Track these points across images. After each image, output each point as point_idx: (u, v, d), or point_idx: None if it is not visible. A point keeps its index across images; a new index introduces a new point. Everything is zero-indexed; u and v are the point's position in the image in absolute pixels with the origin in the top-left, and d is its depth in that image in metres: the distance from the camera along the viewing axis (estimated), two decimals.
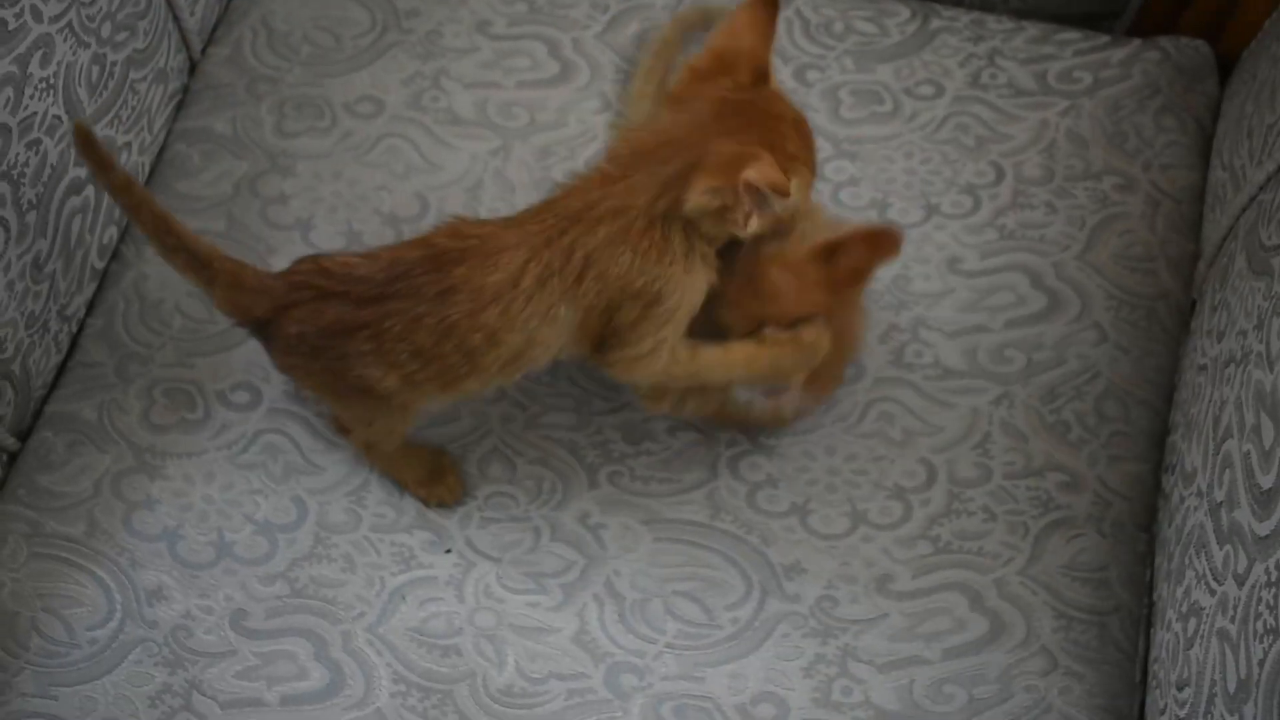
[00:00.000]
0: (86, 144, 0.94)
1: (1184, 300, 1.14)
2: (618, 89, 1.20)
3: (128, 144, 1.12)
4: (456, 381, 0.94)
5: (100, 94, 1.07)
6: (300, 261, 0.96)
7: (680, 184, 0.89)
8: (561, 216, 0.91)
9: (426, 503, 1.05)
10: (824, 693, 1.01)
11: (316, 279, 0.93)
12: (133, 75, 1.11)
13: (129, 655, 1.01)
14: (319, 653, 1.01)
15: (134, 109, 1.12)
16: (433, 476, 1.05)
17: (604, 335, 0.93)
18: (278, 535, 1.05)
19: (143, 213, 0.95)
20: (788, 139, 0.90)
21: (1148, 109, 1.20)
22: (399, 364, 0.92)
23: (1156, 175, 1.17)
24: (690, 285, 0.92)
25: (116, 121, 1.10)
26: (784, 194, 0.87)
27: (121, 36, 1.09)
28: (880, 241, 0.94)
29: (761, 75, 0.91)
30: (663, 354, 0.94)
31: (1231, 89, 1.19)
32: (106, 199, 1.11)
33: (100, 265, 1.13)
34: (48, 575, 1.03)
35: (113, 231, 1.13)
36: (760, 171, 0.86)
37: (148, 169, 1.17)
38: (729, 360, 0.96)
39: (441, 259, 0.91)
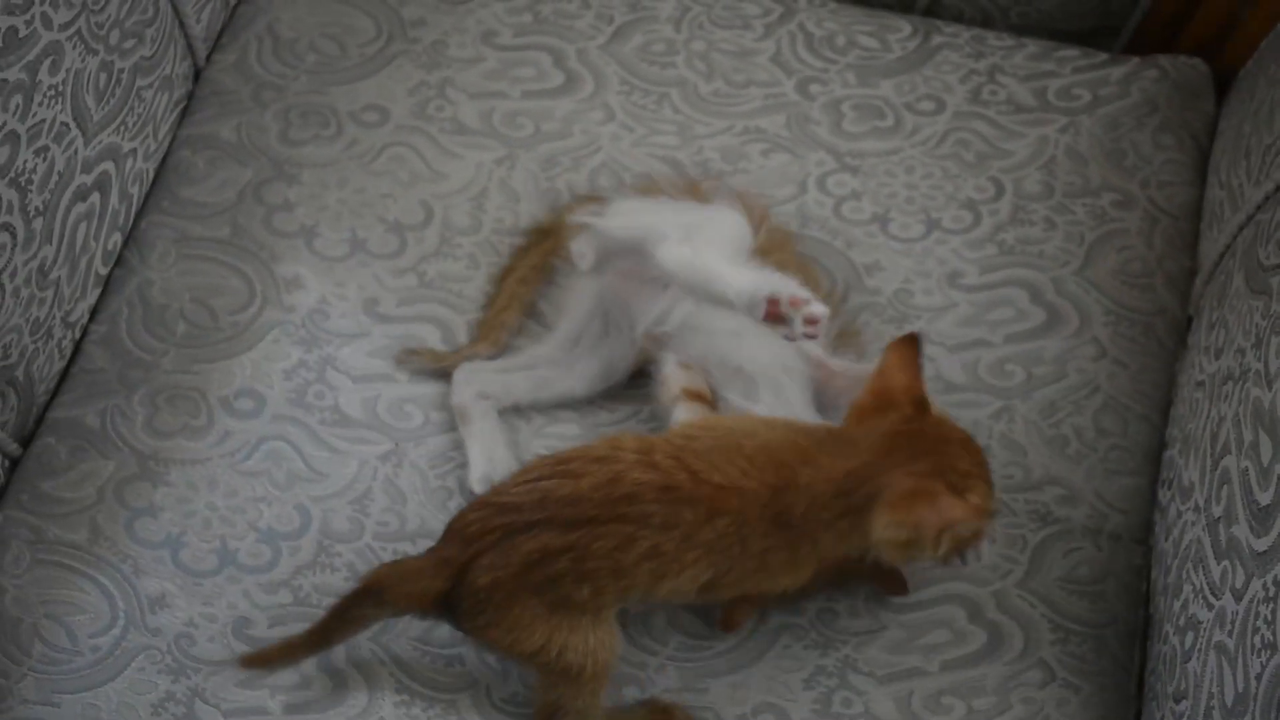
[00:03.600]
0: (257, 662, 0.98)
1: (1181, 316, 1.15)
2: (622, 100, 1.21)
3: (133, 150, 1.13)
4: (636, 591, 0.95)
5: (108, 101, 1.07)
6: (465, 513, 0.95)
7: (860, 514, 0.93)
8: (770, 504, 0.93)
9: None
10: (824, 704, 1.01)
11: (501, 518, 0.93)
12: (139, 82, 1.11)
13: (132, 663, 1.01)
14: (322, 662, 1.02)
15: (140, 115, 1.13)
16: None
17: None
18: (281, 543, 1.05)
19: (323, 637, 0.98)
20: (958, 459, 0.94)
21: (1146, 126, 1.21)
22: (596, 580, 0.93)
23: (1154, 192, 1.18)
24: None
25: (123, 128, 1.10)
26: (967, 520, 0.92)
27: (129, 44, 1.09)
28: None
29: (922, 405, 0.96)
30: None
31: (1229, 107, 1.21)
32: (111, 204, 1.11)
33: (104, 271, 1.13)
34: (50, 582, 1.03)
35: (117, 238, 1.14)
36: (943, 512, 0.91)
37: (152, 175, 1.17)
38: None
39: (674, 493, 0.92)
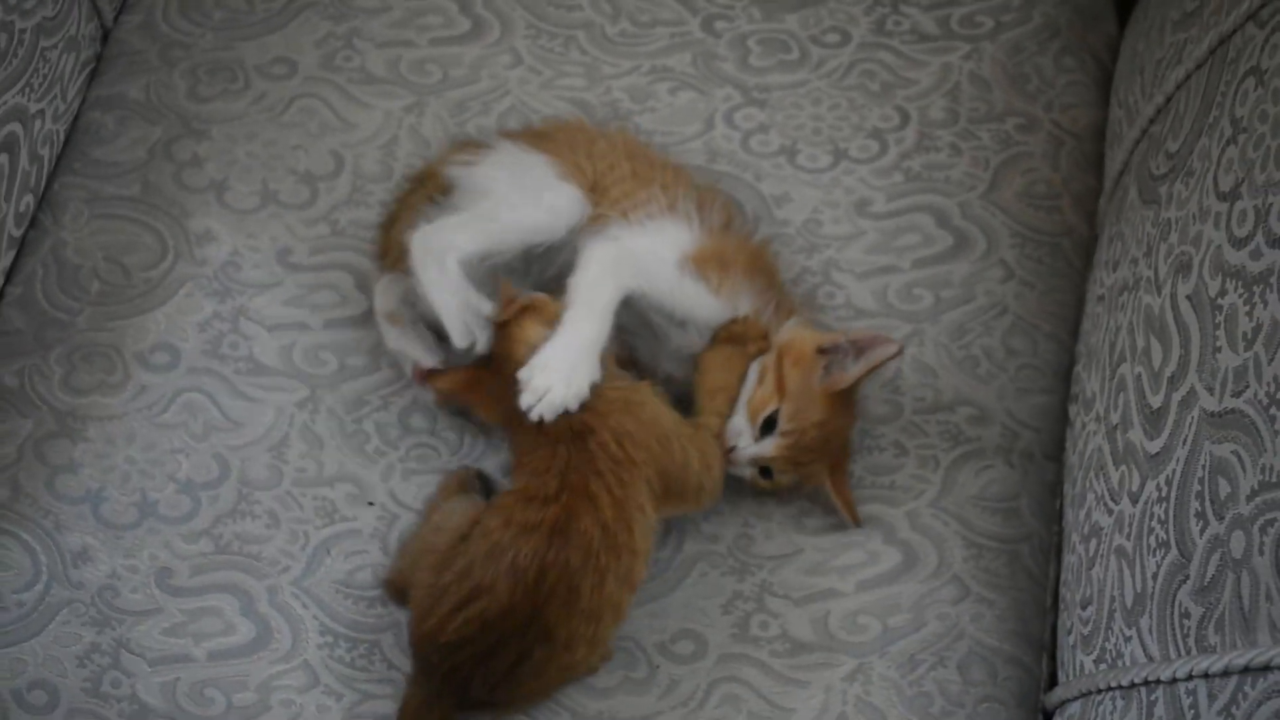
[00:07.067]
0: None
1: (1088, 236, 1.17)
2: (529, 44, 1.22)
3: (40, 112, 1.13)
4: (628, 600, 0.98)
5: (10, 61, 1.07)
6: (423, 649, 0.96)
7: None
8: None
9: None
10: (742, 627, 1.03)
11: (463, 651, 0.95)
12: (43, 43, 1.11)
13: (56, 616, 1.02)
14: (245, 608, 1.03)
15: (45, 77, 1.13)
16: None
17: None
18: (200, 493, 1.06)
19: None
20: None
21: (1048, 50, 1.22)
22: (581, 635, 0.96)
23: (1058, 115, 1.20)
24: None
25: (28, 89, 1.10)
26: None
27: (30, 3, 1.09)
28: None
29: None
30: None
31: (1130, 29, 1.22)
32: (21, 166, 1.11)
33: (17, 233, 1.13)
34: None
35: (29, 200, 1.14)
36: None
37: (63, 136, 1.17)
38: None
39: (560, 527, 0.95)
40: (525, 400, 0.97)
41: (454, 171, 1.08)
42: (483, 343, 1.01)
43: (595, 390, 0.98)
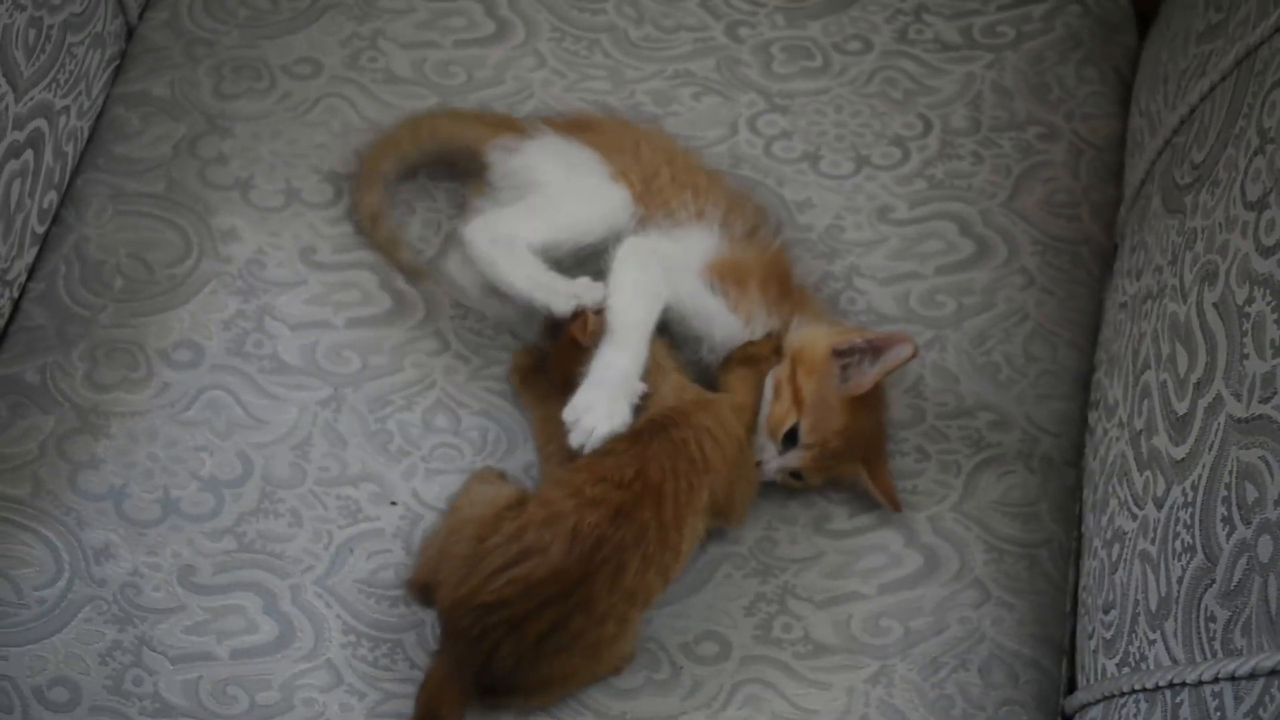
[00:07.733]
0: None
1: (1107, 244, 1.18)
2: (553, 47, 1.22)
3: (66, 108, 1.13)
4: (657, 590, 0.99)
5: (38, 57, 1.07)
6: (455, 614, 0.97)
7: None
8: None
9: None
10: (765, 629, 1.03)
11: (497, 614, 0.95)
12: (70, 39, 1.11)
13: (78, 614, 1.01)
14: (268, 606, 1.03)
15: (72, 73, 1.13)
16: None
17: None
18: (223, 491, 1.06)
19: None
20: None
21: (1069, 61, 1.23)
22: (614, 613, 0.97)
23: (1079, 125, 1.21)
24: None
25: (54, 85, 1.10)
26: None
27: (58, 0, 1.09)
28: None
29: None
30: None
31: (1150, 39, 1.23)
32: (46, 162, 1.11)
33: (41, 230, 1.13)
34: None
35: (53, 196, 1.14)
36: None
37: (87, 133, 1.17)
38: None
39: (625, 510, 0.97)
40: (574, 440, 0.99)
41: (493, 156, 1.09)
42: (590, 297, 1.01)
43: (677, 384, 1.01)
